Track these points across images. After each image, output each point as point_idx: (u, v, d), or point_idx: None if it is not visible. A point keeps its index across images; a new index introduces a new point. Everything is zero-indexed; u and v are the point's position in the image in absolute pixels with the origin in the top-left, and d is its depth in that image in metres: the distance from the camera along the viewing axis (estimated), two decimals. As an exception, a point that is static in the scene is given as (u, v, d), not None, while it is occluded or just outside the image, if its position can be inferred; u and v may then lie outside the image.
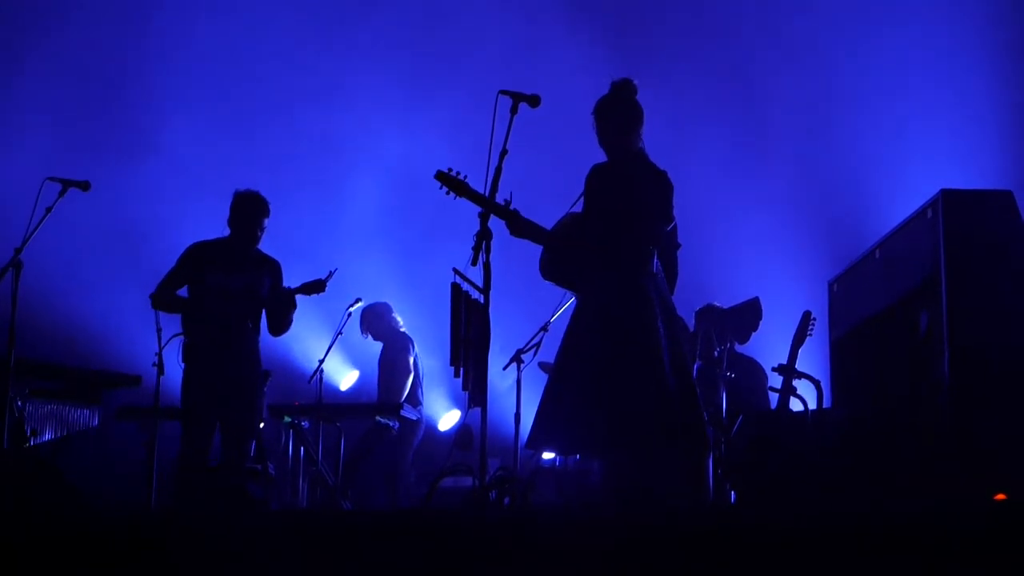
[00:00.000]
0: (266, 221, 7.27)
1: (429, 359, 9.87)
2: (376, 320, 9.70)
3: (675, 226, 5.86)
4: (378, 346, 9.79)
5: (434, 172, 5.71)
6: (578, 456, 7.68)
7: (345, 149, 10.99)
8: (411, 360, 9.52)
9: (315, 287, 7.28)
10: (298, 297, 7.27)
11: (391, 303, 9.83)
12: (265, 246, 7.34)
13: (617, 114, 5.75)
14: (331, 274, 7.35)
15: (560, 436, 5.63)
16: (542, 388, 5.63)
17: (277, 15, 11.04)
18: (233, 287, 7.14)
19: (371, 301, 9.47)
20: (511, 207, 5.68)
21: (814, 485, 6.24)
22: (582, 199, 5.71)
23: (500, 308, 5.73)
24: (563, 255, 5.77)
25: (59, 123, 10.43)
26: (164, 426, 8.01)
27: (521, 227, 5.71)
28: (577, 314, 5.72)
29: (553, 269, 5.86)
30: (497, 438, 9.14)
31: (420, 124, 10.84)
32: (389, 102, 10.97)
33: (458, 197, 5.70)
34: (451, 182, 5.70)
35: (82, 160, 9.13)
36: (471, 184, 5.65)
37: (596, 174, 5.68)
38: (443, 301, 6.03)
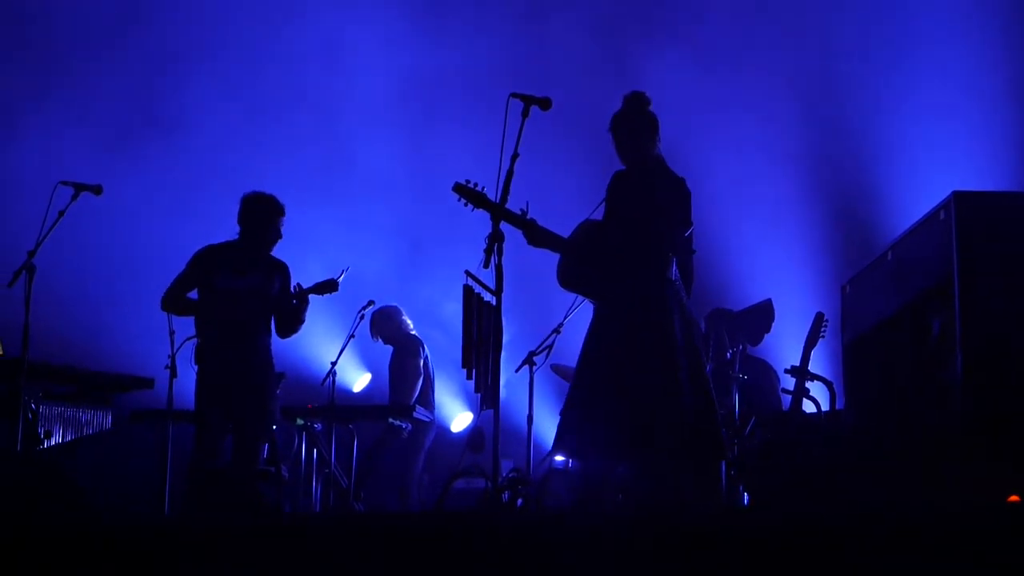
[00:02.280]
0: (281, 220, 7.26)
1: (441, 361, 9.86)
2: (385, 323, 9.66)
3: (691, 232, 5.87)
4: (389, 349, 9.79)
5: (451, 179, 5.73)
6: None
7: (355, 148, 10.99)
8: (421, 363, 9.50)
9: (328, 287, 7.28)
10: (311, 297, 7.27)
11: (401, 306, 9.81)
12: (278, 245, 7.32)
13: (633, 126, 5.78)
14: (344, 273, 7.35)
15: (581, 442, 5.64)
16: (553, 390, 5.64)
17: (280, 13, 11.06)
18: (241, 289, 7.13)
19: (382, 303, 9.45)
20: (528, 216, 5.69)
21: (826, 486, 6.24)
22: (602, 206, 5.73)
23: (512, 310, 5.74)
24: (582, 263, 5.78)
25: (69, 126, 10.46)
26: (177, 429, 8.02)
27: (539, 237, 5.73)
28: (597, 321, 5.72)
29: (571, 277, 5.87)
30: (509, 440, 9.14)
31: (431, 123, 10.85)
32: (399, 99, 10.98)
33: (476, 209, 5.72)
34: (469, 194, 5.71)
35: (93, 163, 9.17)
36: (488, 195, 5.66)
37: (617, 182, 5.72)
38: (455, 303, 6.04)
